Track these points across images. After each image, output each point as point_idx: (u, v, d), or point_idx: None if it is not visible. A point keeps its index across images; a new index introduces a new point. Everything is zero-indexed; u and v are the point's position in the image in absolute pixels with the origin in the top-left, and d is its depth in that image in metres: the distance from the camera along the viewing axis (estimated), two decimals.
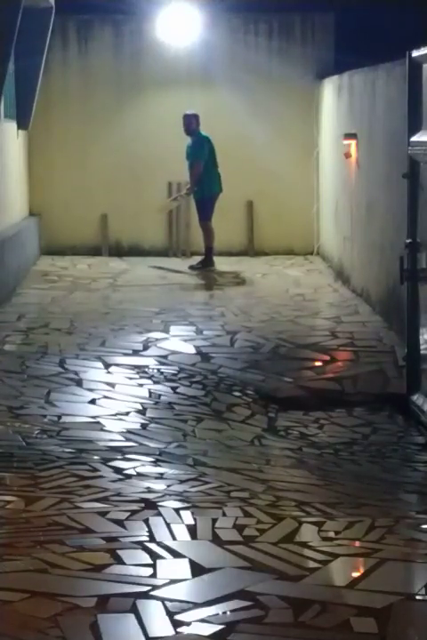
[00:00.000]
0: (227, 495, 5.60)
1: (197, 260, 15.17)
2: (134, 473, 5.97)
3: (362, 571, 4.56)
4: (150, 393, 8.25)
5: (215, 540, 4.77)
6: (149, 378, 8.69)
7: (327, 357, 9.68)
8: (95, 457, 6.26)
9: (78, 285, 13.42)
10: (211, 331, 10.57)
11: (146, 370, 8.90)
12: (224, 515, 5.14)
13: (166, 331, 10.50)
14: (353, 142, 12.80)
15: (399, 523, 5.38)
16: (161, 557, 4.48)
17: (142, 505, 5.18)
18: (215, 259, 14.85)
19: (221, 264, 14.96)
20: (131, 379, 8.62)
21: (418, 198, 7.89)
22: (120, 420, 7.41)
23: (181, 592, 4.16)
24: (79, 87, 16.08)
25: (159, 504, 5.22)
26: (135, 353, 9.52)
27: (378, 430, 7.78)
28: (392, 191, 10.24)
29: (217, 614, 3.94)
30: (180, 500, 5.35)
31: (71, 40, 16.01)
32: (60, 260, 15.59)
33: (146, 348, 9.72)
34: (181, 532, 4.84)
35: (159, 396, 8.20)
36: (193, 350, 9.72)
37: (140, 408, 7.79)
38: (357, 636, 3.83)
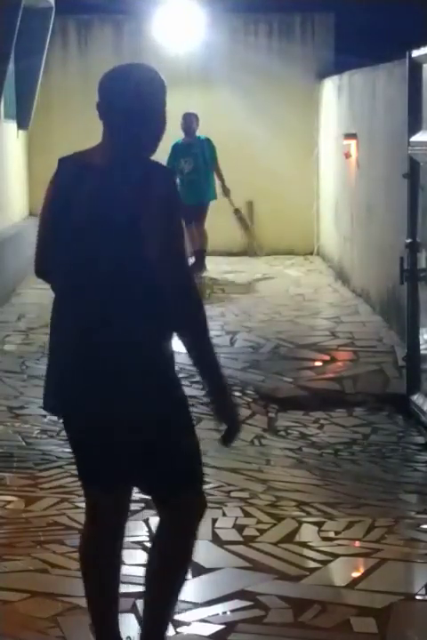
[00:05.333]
0: (227, 495, 5.60)
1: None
2: None
3: (362, 571, 4.56)
4: None
5: (215, 540, 4.77)
6: None
7: (327, 357, 9.67)
8: None
9: None
10: (210, 331, 10.52)
11: None
12: (224, 515, 5.14)
13: None
14: (353, 142, 12.78)
15: (399, 523, 5.38)
16: None
17: (142, 505, 5.17)
18: (216, 259, 14.77)
19: (221, 264, 14.94)
20: None
21: (418, 198, 7.89)
22: None
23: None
24: (79, 87, 16.05)
25: None
26: None
27: (378, 430, 7.77)
28: (392, 191, 10.24)
29: (217, 614, 3.94)
30: None
31: (71, 40, 16.01)
32: None
33: None
34: None
35: None
36: None
37: None
38: (357, 635, 3.83)
